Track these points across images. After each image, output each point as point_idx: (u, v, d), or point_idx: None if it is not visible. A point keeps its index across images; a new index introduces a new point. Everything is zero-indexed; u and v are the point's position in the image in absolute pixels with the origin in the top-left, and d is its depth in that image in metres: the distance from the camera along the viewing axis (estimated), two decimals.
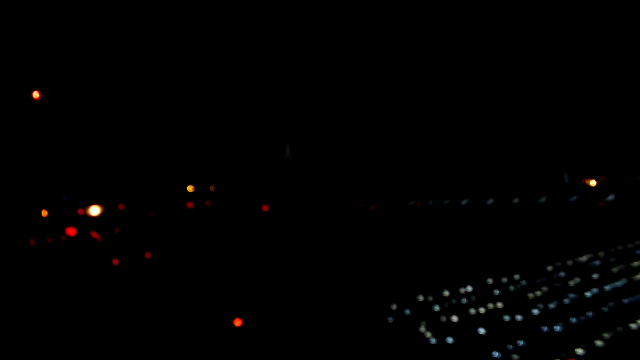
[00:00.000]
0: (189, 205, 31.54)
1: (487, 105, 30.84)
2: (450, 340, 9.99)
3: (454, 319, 11.22)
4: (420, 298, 12.60)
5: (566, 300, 12.43)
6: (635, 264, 15.40)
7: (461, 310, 11.94)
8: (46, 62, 31.80)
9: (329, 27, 31.75)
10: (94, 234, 21.97)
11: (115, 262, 16.21)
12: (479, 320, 11.28)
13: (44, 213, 34.55)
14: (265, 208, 27.78)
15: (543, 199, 25.78)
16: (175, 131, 37.46)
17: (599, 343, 9.74)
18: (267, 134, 36.52)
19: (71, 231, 26.92)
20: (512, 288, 13.46)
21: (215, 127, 37.20)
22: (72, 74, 32.83)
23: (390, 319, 10.89)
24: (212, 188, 38.37)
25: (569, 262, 15.92)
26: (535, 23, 29.36)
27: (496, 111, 30.68)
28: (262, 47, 34.12)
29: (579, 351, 9.39)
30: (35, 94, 30.26)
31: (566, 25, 29.05)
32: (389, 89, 32.77)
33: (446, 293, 13.16)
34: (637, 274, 14.37)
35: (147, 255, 18.91)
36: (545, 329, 10.61)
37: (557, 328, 10.53)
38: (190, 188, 38.23)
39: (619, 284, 13.56)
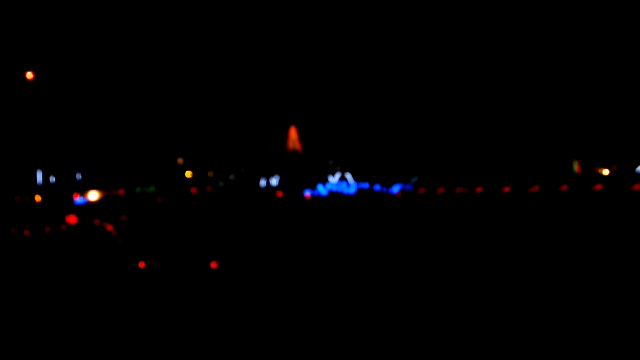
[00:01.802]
0: (193, 190, 30.69)
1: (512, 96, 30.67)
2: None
3: None
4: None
5: None
6: None
7: None
8: (49, 51, 30.66)
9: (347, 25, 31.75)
10: (105, 224, 21.01)
11: (142, 264, 15.37)
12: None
13: (38, 198, 33.24)
14: (280, 194, 27.11)
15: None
16: (171, 117, 36.52)
17: None
18: (271, 120, 35.77)
19: (72, 219, 25.86)
20: None
21: (216, 114, 36.33)
22: (73, 61, 31.74)
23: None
24: (210, 174, 37.48)
25: None
26: (555, 15, 29.03)
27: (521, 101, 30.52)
28: (272, 43, 33.37)
29: None
30: (29, 75, 28.96)
31: (582, 19, 28.75)
32: (413, 80, 32.50)
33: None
34: None
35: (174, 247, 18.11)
36: None
37: None
38: (188, 174, 37.28)
39: None
